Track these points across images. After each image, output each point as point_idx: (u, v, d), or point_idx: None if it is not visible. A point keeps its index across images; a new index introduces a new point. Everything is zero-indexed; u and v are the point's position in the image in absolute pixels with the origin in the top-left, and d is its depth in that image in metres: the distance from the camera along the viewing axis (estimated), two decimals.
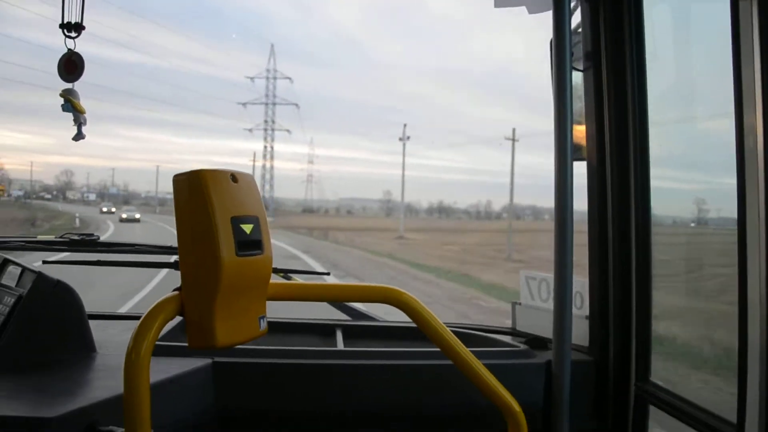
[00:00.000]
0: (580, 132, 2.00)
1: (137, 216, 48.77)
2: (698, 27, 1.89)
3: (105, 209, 59.58)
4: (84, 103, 2.09)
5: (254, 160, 74.88)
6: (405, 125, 49.54)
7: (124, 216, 48.33)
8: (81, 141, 2.10)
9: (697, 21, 1.90)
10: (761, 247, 1.27)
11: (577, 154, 1.98)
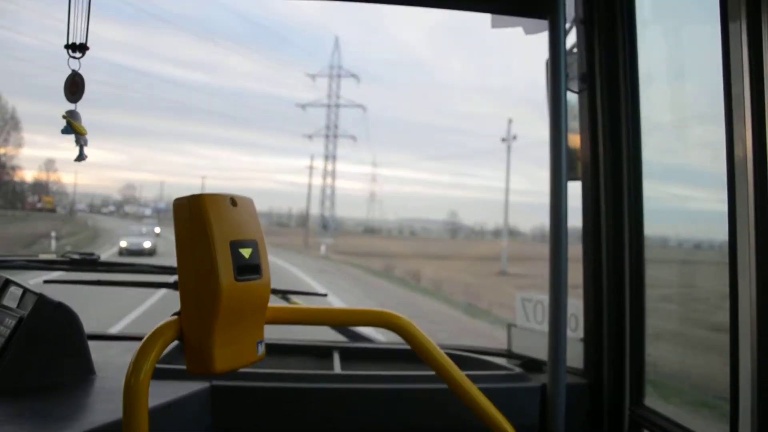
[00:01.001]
0: (575, 152, 2.01)
1: (147, 245, 31.18)
2: (690, 48, 1.90)
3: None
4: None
5: (311, 164, 67.89)
6: (510, 121, 39.52)
7: (123, 245, 31.01)
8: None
9: (689, 42, 1.91)
10: (751, 268, 1.27)
11: (572, 174, 1.98)
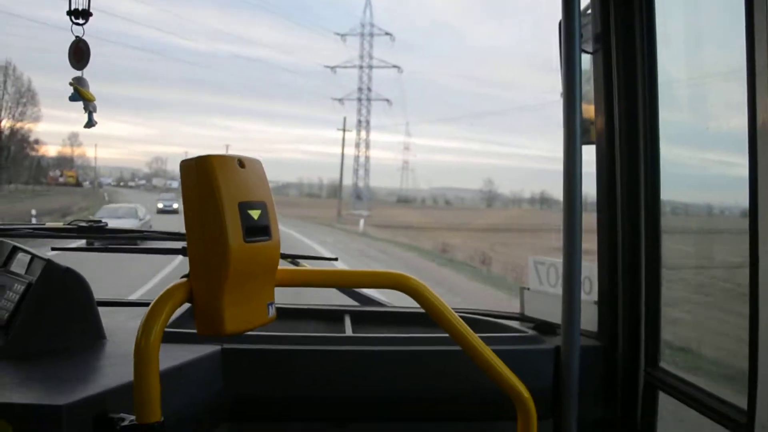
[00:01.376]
0: (589, 115, 1.98)
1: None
2: (709, 8, 1.86)
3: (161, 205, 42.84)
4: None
5: (344, 128, 56.26)
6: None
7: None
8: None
9: (707, 3, 1.87)
10: None
11: (586, 137, 1.96)
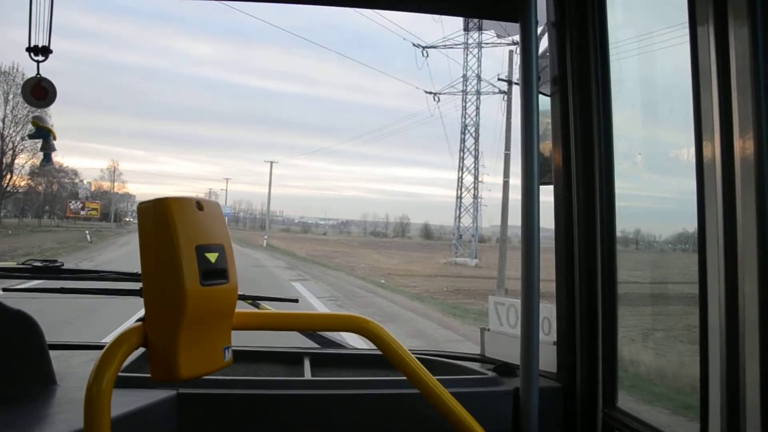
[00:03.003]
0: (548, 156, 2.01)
1: None
2: (660, 51, 1.92)
3: None
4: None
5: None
6: None
7: None
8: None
9: (659, 45, 1.93)
10: (720, 269, 1.27)
11: (546, 177, 1.99)
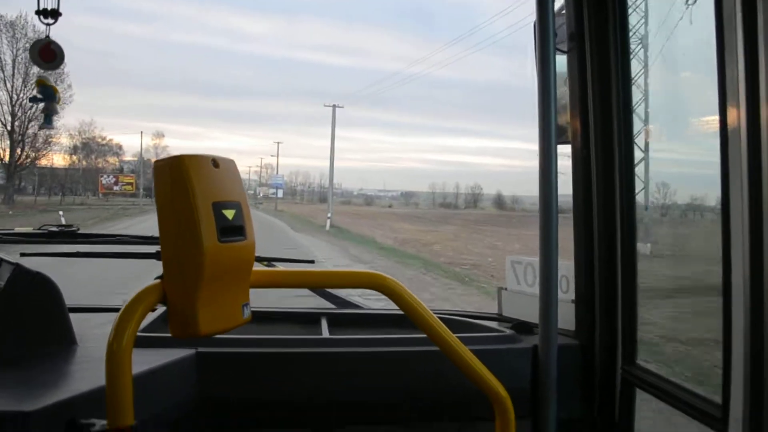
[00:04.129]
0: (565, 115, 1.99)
1: None
2: (681, 6, 1.87)
3: None
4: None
5: None
6: None
7: None
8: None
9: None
10: (744, 229, 1.26)
11: (562, 137, 1.97)
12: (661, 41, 2.03)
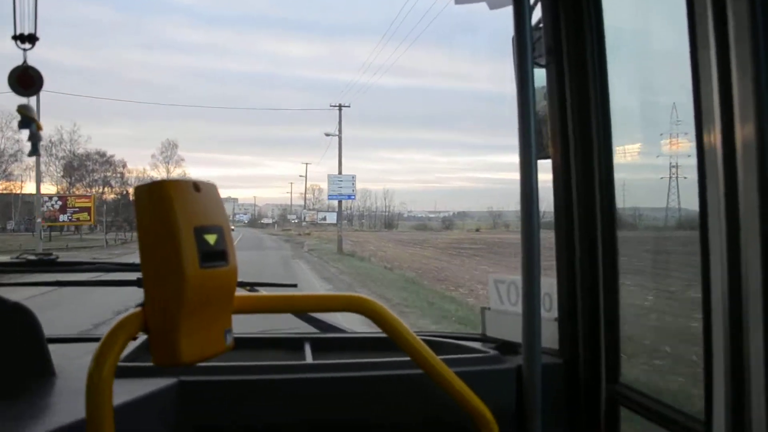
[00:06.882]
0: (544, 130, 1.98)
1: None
2: (656, 18, 1.88)
3: None
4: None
5: None
6: None
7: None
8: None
9: (654, 12, 1.89)
10: (722, 242, 1.24)
11: (542, 152, 1.96)
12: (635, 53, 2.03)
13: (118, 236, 47.17)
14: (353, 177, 46.19)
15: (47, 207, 42.06)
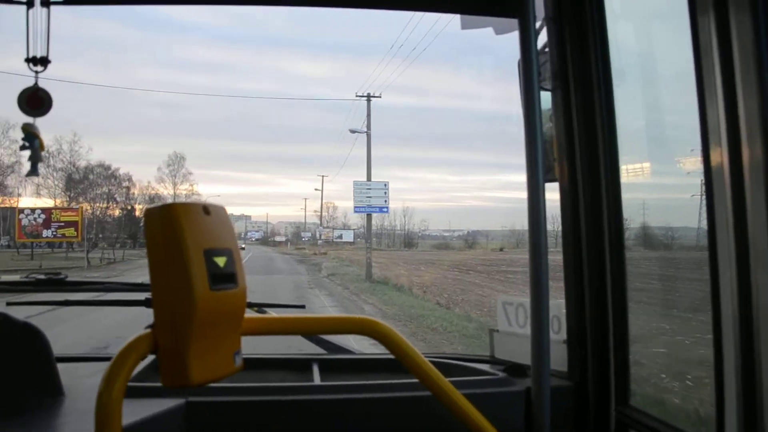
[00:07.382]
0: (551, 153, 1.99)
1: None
2: (660, 42, 1.90)
3: None
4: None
5: None
6: None
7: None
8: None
9: (658, 36, 1.91)
10: (731, 262, 1.25)
11: (550, 175, 1.97)
12: (640, 74, 2.05)
13: (104, 255, 41.94)
14: (385, 185, 35.84)
15: (29, 221, 37.93)
